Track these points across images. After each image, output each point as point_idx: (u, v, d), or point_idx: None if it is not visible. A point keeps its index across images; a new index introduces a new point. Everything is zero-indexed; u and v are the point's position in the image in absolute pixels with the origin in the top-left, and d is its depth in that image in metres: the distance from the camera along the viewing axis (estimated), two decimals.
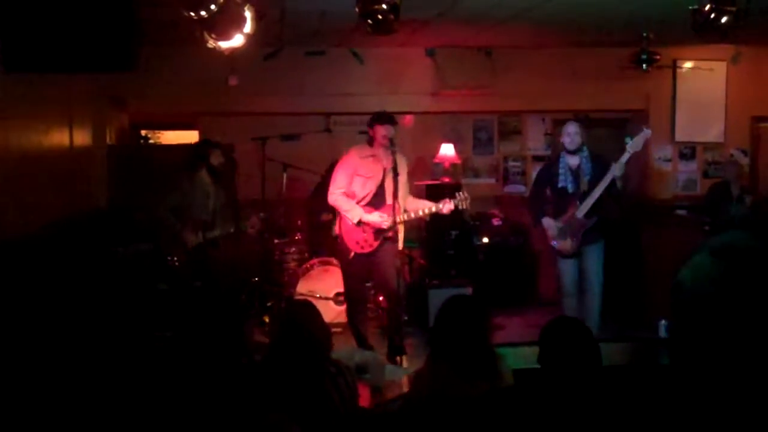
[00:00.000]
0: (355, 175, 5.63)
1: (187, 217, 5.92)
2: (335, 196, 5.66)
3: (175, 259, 5.84)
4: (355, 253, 5.68)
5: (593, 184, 5.76)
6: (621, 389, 2.77)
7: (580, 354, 2.75)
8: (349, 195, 5.64)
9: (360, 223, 5.58)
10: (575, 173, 5.88)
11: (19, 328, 4.23)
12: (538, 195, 6.14)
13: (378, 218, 5.57)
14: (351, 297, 5.92)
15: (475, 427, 2.79)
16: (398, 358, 5.60)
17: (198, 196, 6.01)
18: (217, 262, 6.12)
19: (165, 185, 6.12)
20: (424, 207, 5.72)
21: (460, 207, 5.69)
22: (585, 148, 5.91)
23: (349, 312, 5.95)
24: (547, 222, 5.95)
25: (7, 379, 3.85)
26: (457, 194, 5.68)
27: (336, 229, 5.83)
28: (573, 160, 5.90)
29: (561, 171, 5.90)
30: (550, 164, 6.21)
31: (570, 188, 5.87)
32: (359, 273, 5.80)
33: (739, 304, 2.93)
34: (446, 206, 5.63)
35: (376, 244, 5.63)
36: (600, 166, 5.81)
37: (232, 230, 6.02)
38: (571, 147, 5.86)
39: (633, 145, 5.74)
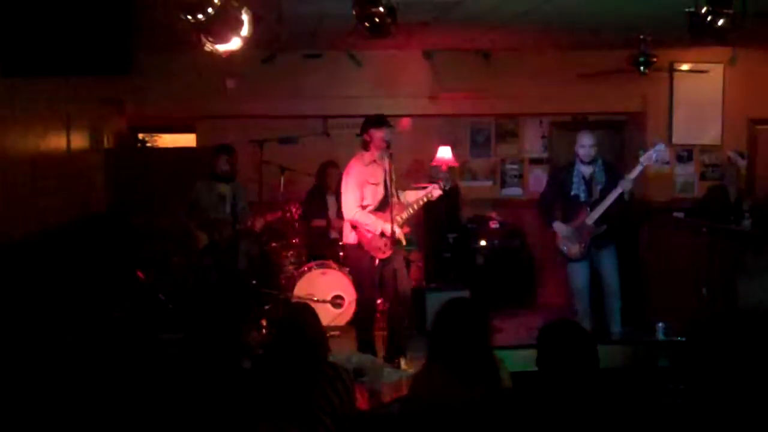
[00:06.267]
0: (366, 183, 5.61)
1: (198, 217, 6.21)
2: (353, 213, 5.57)
3: (178, 260, 6.00)
4: (379, 260, 5.61)
5: (605, 192, 5.88)
6: (619, 392, 2.77)
7: (577, 357, 2.75)
8: (362, 206, 5.61)
9: (383, 234, 5.54)
10: (588, 182, 5.99)
11: (16, 331, 4.23)
12: (549, 198, 6.23)
13: (391, 228, 5.54)
14: (368, 304, 5.81)
15: (473, 430, 2.79)
16: (397, 359, 5.60)
17: (208, 198, 6.28)
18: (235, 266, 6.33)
19: (170, 188, 6.31)
20: (421, 198, 5.74)
21: (446, 188, 5.73)
22: (599, 158, 6.04)
23: (363, 318, 5.87)
24: (558, 226, 6.05)
25: (6, 380, 3.85)
26: (439, 177, 5.78)
27: (347, 238, 5.75)
28: (587, 169, 6.01)
29: (575, 180, 6.00)
30: (563, 169, 6.30)
31: (582, 196, 5.98)
32: (375, 279, 5.71)
33: None
34: (435, 192, 5.69)
35: (393, 247, 5.62)
36: (613, 175, 5.95)
37: (237, 228, 6.28)
38: (586, 159, 5.97)
39: (646, 158, 5.87)
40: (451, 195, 5.86)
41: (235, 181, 6.46)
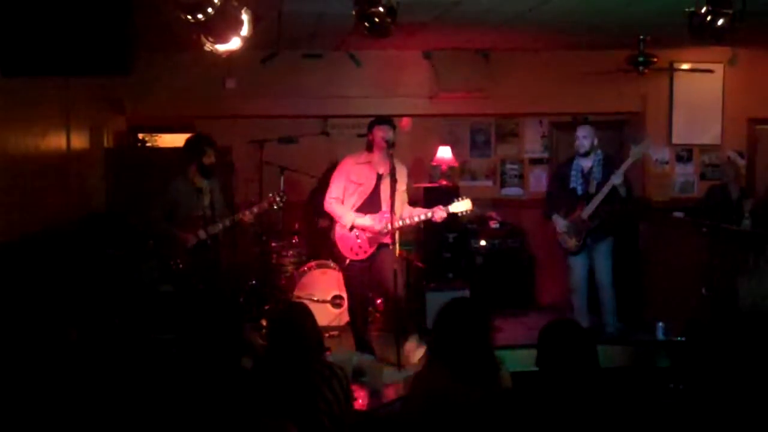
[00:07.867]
0: (348, 181, 5.64)
1: (180, 217, 5.74)
2: (329, 203, 5.70)
3: (179, 261, 5.73)
4: (350, 260, 5.71)
5: (600, 186, 5.96)
6: (619, 392, 2.77)
7: (577, 357, 2.75)
8: (343, 202, 5.68)
9: (353, 228, 5.59)
10: (586, 176, 6.07)
11: (15, 330, 4.23)
12: (553, 192, 6.36)
13: (370, 221, 5.56)
14: (352, 301, 5.95)
15: (473, 430, 2.79)
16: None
17: (188, 195, 5.80)
18: (220, 263, 6.03)
19: (159, 189, 6.04)
20: (419, 214, 5.71)
21: (459, 214, 5.66)
22: (599, 151, 6.12)
23: (351, 315, 6.01)
24: (557, 219, 6.18)
25: (5, 381, 3.85)
26: (454, 200, 5.64)
27: (332, 235, 5.83)
28: (586, 163, 6.10)
29: (573, 173, 6.11)
30: (564, 163, 6.41)
31: (579, 190, 6.08)
32: (359, 277, 5.82)
33: None
34: (437, 214, 5.59)
35: (371, 251, 5.64)
36: (609, 170, 6.01)
37: (228, 223, 5.81)
38: (580, 150, 6.07)
39: (637, 151, 5.94)
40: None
41: (214, 177, 5.95)
